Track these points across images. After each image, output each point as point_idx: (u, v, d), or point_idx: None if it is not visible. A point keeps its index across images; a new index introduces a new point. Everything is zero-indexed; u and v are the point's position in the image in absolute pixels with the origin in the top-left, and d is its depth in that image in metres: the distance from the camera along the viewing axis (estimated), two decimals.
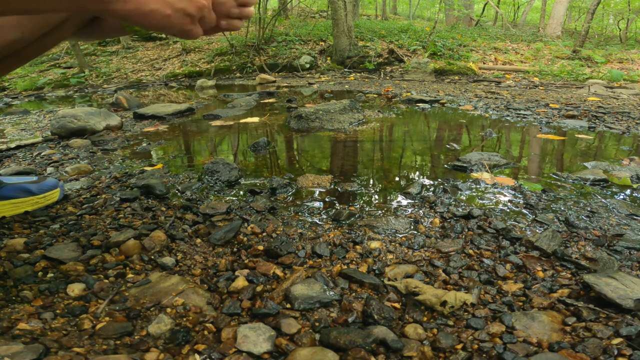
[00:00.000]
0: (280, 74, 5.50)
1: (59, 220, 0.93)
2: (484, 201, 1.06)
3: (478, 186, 1.17)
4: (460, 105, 2.69)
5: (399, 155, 1.53)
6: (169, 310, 0.61)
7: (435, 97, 2.94)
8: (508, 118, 2.26)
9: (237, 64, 5.73)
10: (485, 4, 10.16)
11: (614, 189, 1.14)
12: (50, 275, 0.70)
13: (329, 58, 6.10)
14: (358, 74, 5.18)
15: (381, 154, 1.54)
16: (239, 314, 0.61)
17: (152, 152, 1.61)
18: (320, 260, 0.77)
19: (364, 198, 1.08)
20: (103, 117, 2.01)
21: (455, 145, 1.65)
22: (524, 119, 2.22)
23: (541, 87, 3.91)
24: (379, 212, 0.99)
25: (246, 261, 0.76)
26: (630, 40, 9.02)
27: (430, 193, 1.11)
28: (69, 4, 0.46)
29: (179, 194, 1.11)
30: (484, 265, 0.75)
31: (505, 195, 1.09)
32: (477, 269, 0.74)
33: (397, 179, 1.24)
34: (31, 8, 0.45)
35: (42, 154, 1.59)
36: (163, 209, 1.00)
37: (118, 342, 0.55)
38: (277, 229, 0.89)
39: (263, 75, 4.63)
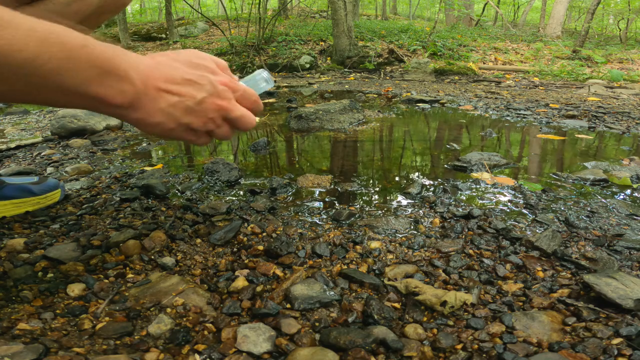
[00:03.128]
0: (280, 73, 5.50)
1: (59, 220, 0.93)
2: (484, 201, 1.06)
3: (478, 186, 1.17)
4: (460, 105, 2.69)
5: (399, 155, 1.53)
6: (169, 310, 0.61)
7: (435, 97, 2.94)
8: (508, 118, 2.26)
9: (237, 63, 5.73)
10: (485, 4, 10.16)
11: (614, 189, 1.14)
12: (50, 275, 0.70)
13: (329, 58, 6.10)
14: (358, 74, 5.18)
15: (381, 154, 1.54)
16: (239, 314, 0.61)
17: (152, 152, 1.61)
18: (320, 260, 0.77)
19: (364, 198, 1.08)
20: (103, 117, 2.01)
21: (455, 145, 1.65)
22: (524, 119, 2.22)
23: (541, 87, 3.91)
24: (379, 212, 0.99)
25: (246, 261, 0.76)
26: (630, 40, 9.02)
27: (430, 193, 1.11)
28: (81, 103, 0.50)
29: (179, 194, 1.11)
30: (484, 265, 0.75)
31: (505, 195, 1.09)
32: (477, 269, 0.74)
33: (397, 179, 1.24)
34: (38, 101, 0.48)
35: (42, 154, 1.59)
36: (163, 209, 1.00)
37: (118, 342, 0.55)
38: (277, 229, 0.89)
39: None
